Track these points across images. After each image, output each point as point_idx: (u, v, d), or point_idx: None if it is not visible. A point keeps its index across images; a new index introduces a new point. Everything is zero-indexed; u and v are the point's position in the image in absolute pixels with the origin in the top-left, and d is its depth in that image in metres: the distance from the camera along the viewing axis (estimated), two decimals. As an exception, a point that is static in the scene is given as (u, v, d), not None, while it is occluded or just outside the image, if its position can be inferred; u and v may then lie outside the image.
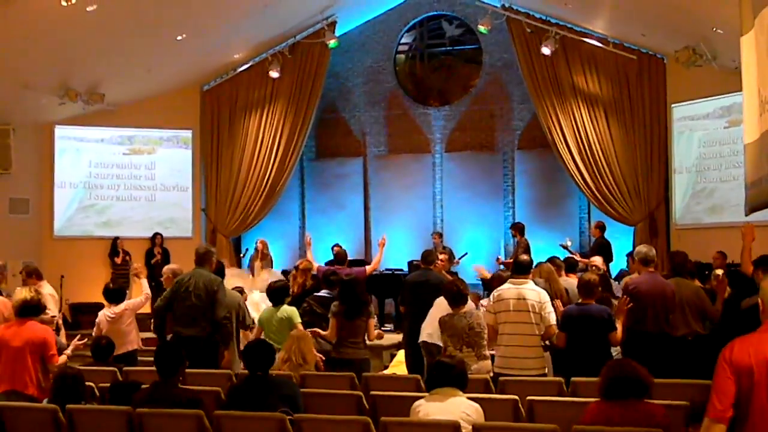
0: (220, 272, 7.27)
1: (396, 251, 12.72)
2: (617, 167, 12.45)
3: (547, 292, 6.45)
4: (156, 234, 13.41)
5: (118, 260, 13.01)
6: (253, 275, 11.83)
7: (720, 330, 6.47)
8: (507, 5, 12.82)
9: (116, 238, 13.19)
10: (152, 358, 5.05)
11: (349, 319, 6.75)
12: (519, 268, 6.38)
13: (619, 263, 11.70)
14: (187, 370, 5.38)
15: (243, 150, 13.93)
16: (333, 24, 13.45)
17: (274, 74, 13.45)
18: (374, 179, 14.68)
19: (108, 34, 10.60)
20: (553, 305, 6.26)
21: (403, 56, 14.99)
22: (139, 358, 7.42)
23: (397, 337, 9.47)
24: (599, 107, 12.56)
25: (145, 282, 8.13)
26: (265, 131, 13.88)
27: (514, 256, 10.17)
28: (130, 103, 13.28)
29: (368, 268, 9.49)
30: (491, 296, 6.53)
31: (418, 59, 14.99)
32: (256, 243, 12.79)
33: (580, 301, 6.23)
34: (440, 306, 6.81)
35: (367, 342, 6.94)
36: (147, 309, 8.35)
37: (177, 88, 13.70)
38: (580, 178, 12.65)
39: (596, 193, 12.58)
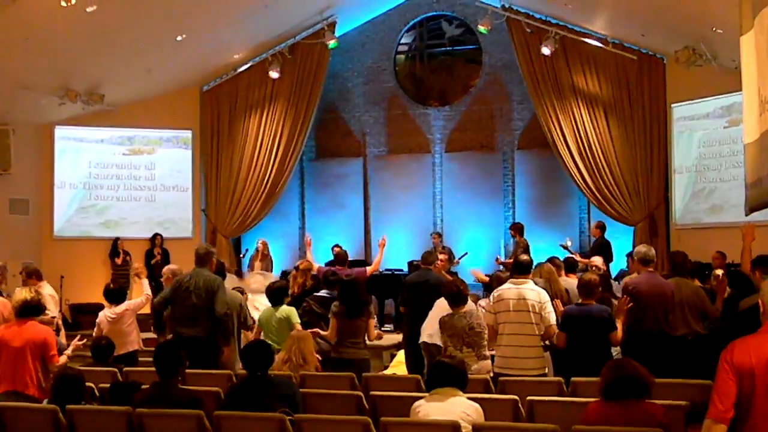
0: (221, 272, 7.28)
1: (396, 251, 12.72)
2: (617, 167, 12.45)
3: (547, 292, 6.45)
4: (156, 234, 13.40)
5: (119, 261, 13.01)
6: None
7: (720, 330, 6.48)
8: (507, 5, 12.82)
9: (117, 239, 13.18)
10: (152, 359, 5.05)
11: (349, 319, 6.75)
12: (519, 268, 6.38)
13: (619, 263, 11.70)
14: (187, 370, 5.39)
15: (243, 150, 13.93)
16: (333, 24, 13.45)
17: (273, 74, 13.45)
18: (374, 179, 14.68)
19: (108, 35, 10.60)
20: (553, 305, 6.27)
21: (402, 56, 15.00)
22: (139, 358, 7.42)
23: (397, 337, 9.47)
24: (599, 107, 12.57)
25: (146, 282, 8.13)
26: (265, 131, 13.88)
27: (513, 256, 10.18)
28: (129, 103, 13.28)
29: (369, 269, 9.49)
30: (491, 296, 6.53)
31: (418, 59, 14.99)
32: (257, 243, 12.79)
33: (580, 301, 6.23)
34: (440, 307, 6.81)
35: (367, 342, 6.95)
36: (148, 309, 8.35)
37: (177, 88, 13.70)
38: (579, 178, 12.65)
39: (596, 193, 12.58)
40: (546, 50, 12.35)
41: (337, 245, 11.81)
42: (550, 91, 12.75)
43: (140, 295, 8.00)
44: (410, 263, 12.09)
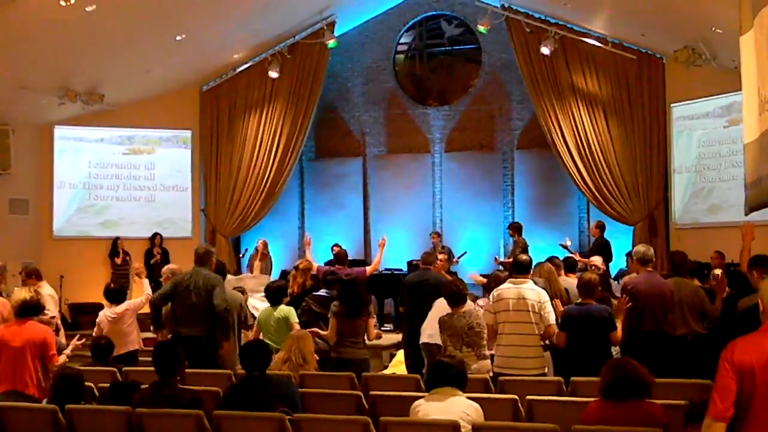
0: (221, 272, 7.28)
1: (395, 251, 12.72)
2: (616, 167, 12.45)
3: (547, 291, 6.45)
4: (155, 234, 13.40)
5: (119, 260, 13.01)
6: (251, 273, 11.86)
7: (719, 329, 6.49)
8: (506, 5, 12.82)
9: (117, 239, 13.18)
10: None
11: (348, 319, 6.75)
12: (519, 268, 6.38)
13: (618, 263, 11.69)
14: (187, 370, 5.39)
15: (242, 150, 13.92)
16: (332, 24, 13.45)
17: (273, 74, 13.45)
18: (374, 179, 14.68)
19: (107, 35, 10.59)
20: (552, 305, 6.27)
21: (402, 56, 15.00)
22: (140, 358, 7.42)
23: (397, 337, 9.47)
24: (598, 107, 12.57)
25: (146, 282, 8.13)
26: (264, 131, 13.88)
27: (512, 256, 10.18)
28: (129, 103, 13.28)
29: (368, 268, 9.49)
30: (491, 296, 6.53)
31: (417, 59, 14.99)
32: (257, 243, 12.79)
33: (579, 300, 6.23)
34: (440, 306, 6.81)
35: (367, 342, 6.95)
36: (148, 309, 8.36)
37: (176, 88, 13.70)
38: (579, 177, 12.65)
39: (595, 192, 12.58)
40: (545, 50, 12.34)
41: (336, 245, 11.81)
42: (549, 90, 12.75)
43: (140, 294, 8.00)
44: (410, 263, 12.10)
